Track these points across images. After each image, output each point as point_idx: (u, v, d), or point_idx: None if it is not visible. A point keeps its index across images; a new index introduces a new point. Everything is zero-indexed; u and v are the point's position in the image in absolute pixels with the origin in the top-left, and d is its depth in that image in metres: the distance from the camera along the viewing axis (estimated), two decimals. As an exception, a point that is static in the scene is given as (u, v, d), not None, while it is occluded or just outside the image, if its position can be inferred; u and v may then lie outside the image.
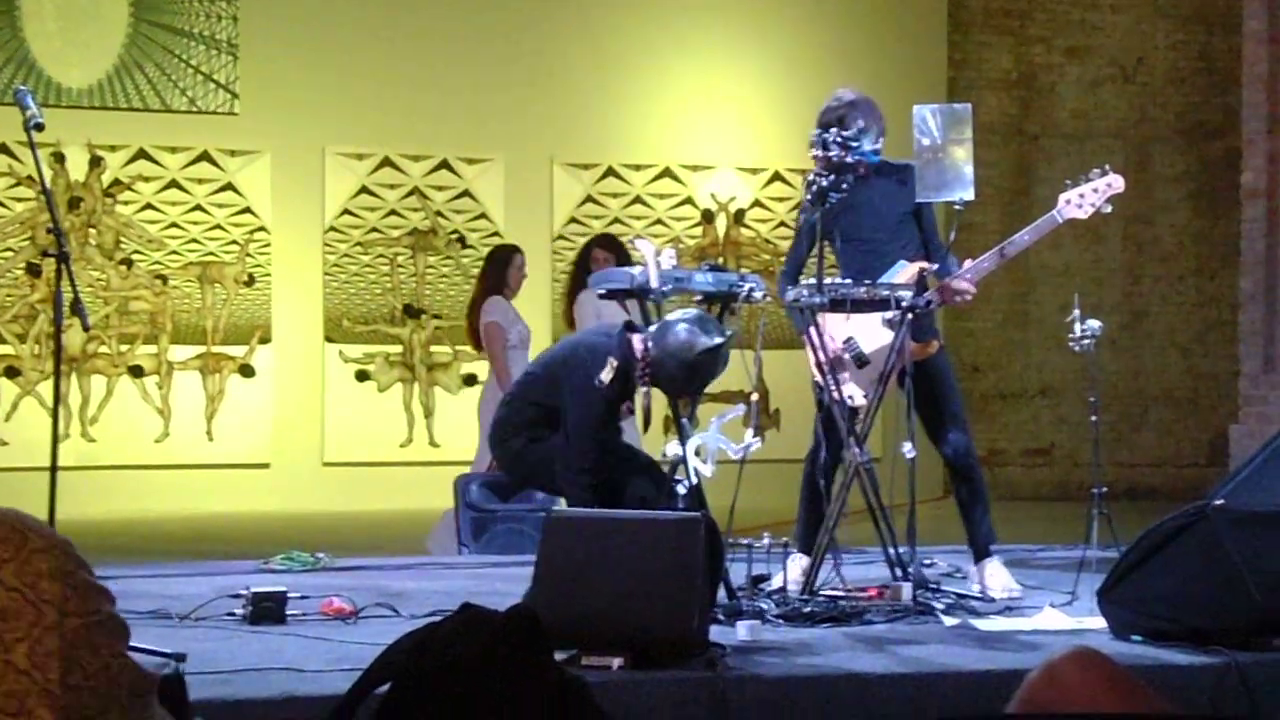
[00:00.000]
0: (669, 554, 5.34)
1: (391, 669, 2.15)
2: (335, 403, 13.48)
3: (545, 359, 7.65)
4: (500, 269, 9.99)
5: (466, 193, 13.73)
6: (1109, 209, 7.02)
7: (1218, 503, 6.04)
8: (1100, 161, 7.58)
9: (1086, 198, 6.98)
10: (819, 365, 6.71)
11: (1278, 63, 12.94)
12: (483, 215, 13.76)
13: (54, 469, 6.52)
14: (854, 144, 6.74)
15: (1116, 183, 7.00)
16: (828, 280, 6.61)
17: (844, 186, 6.61)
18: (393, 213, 13.61)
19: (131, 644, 1.80)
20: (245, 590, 6.20)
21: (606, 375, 6.80)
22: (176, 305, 13.20)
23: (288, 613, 6.09)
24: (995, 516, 7.17)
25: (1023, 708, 1.89)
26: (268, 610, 6.03)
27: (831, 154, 6.60)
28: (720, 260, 13.68)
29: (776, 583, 6.66)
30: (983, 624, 6.19)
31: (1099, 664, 2.02)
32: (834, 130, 6.76)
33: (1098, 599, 5.94)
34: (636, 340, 6.65)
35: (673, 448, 6.67)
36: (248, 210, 13.27)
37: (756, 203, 14.39)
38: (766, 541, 6.71)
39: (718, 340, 6.46)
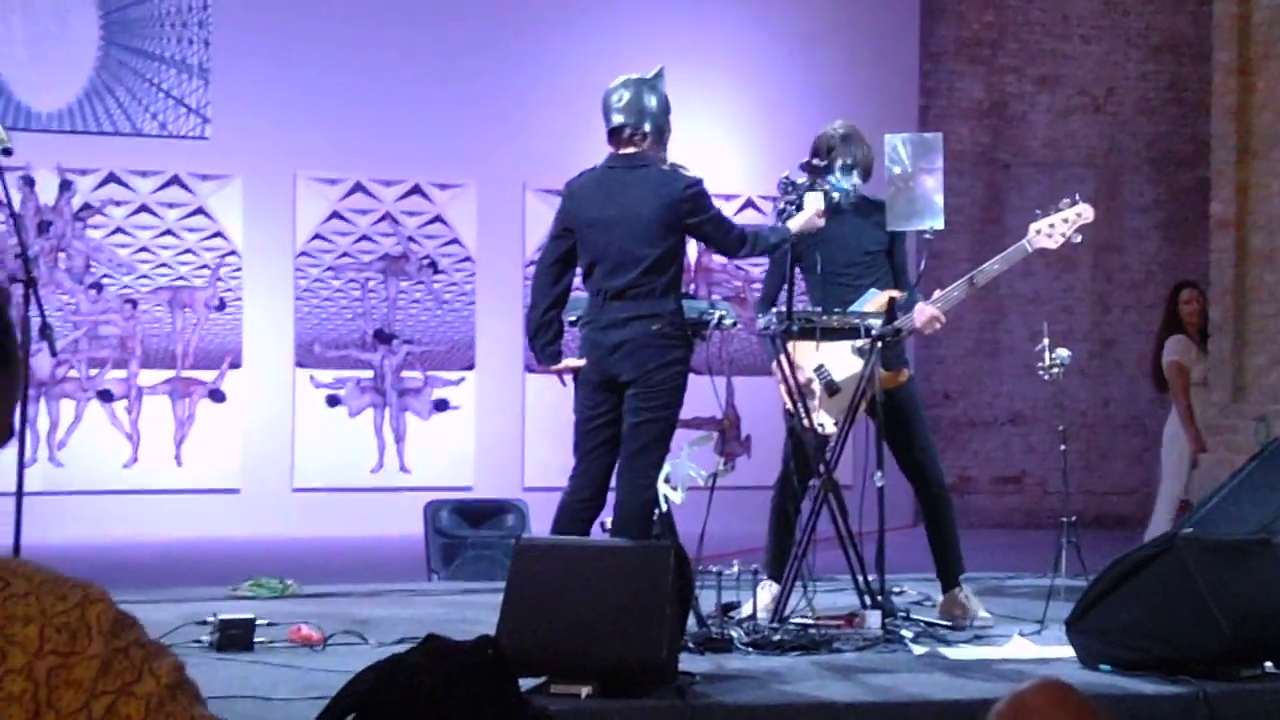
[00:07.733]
0: (638, 582, 5.33)
1: (356, 699, 2.14)
2: (305, 428, 13.43)
3: None
4: (1171, 306, 10.15)
5: (439, 218, 13.72)
6: (1079, 239, 7.03)
7: (1186, 532, 6.06)
8: (1071, 190, 7.59)
9: (1057, 228, 6.98)
10: (789, 392, 6.72)
11: (1246, 93, 13.01)
12: (455, 240, 13.75)
13: (20, 494, 6.49)
14: (823, 174, 6.78)
15: (1087, 213, 7.01)
16: (798, 309, 6.64)
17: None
18: (364, 238, 13.59)
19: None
20: (212, 617, 6.18)
21: None
22: (146, 329, 13.15)
23: (255, 640, 6.07)
24: (964, 544, 7.19)
25: (988, 740, 1.89)
26: (234, 637, 6.01)
27: (799, 181, 6.64)
28: (692, 287, 13.69)
29: (746, 610, 6.66)
30: (951, 652, 6.20)
31: (1065, 695, 2.02)
32: (807, 160, 6.82)
33: (1066, 628, 5.95)
34: None
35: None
36: (219, 234, 13.24)
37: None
38: (736, 568, 6.71)
39: None
